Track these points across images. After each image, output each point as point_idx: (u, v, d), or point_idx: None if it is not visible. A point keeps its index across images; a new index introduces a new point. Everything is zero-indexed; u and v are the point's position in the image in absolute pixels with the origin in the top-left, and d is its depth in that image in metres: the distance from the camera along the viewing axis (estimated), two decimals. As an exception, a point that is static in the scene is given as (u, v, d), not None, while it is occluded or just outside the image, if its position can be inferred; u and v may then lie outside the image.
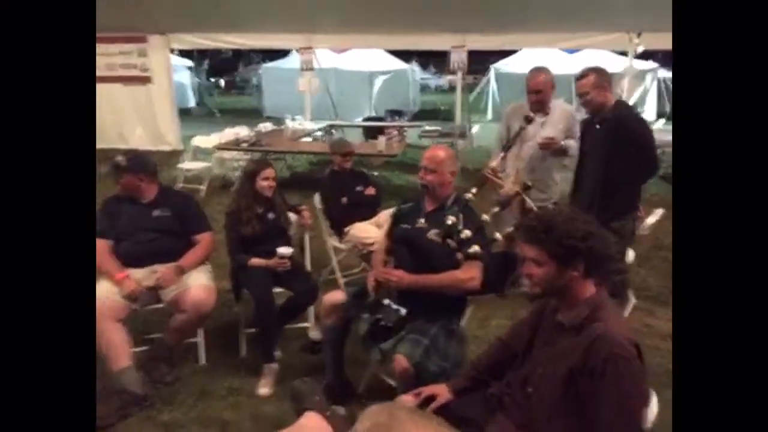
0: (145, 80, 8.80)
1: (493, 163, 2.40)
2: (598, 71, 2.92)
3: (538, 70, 3.37)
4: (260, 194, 2.90)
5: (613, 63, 9.46)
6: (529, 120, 2.41)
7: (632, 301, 3.47)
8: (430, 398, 1.77)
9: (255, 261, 2.82)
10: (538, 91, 3.32)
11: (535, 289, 1.56)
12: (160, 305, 2.72)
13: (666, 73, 15.19)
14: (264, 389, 2.63)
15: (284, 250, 2.79)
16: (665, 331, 3.25)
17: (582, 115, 3.37)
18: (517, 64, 13.20)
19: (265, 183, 2.88)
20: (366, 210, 3.74)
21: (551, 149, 3.37)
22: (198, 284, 2.64)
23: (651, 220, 3.44)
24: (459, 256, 2.13)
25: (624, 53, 8.89)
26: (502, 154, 2.48)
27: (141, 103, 8.88)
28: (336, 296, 2.41)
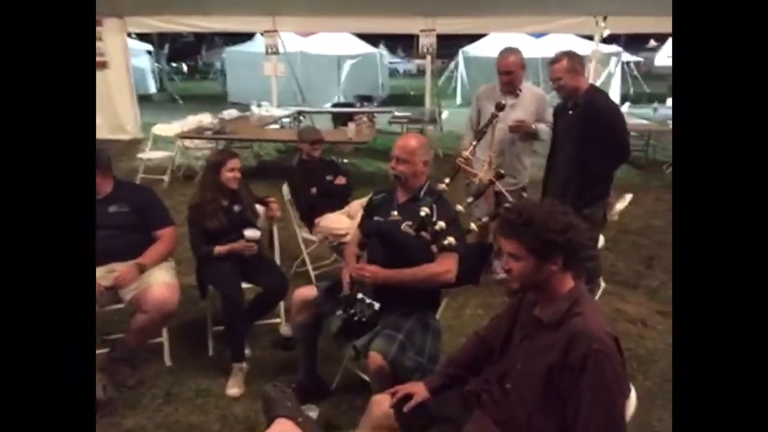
0: (101, 65, 8.38)
1: (466, 153, 2.33)
2: (570, 55, 2.88)
3: (509, 51, 3.34)
4: (225, 186, 2.77)
5: (579, 47, 9.53)
6: (500, 107, 2.36)
7: (602, 285, 3.51)
8: (407, 397, 1.72)
9: (219, 249, 2.70)
10: (509, 72, 3.28)
11: (513, 284, 1.52)
12: (121, 305, 2.59)
13: (629, 57, 15.48)
14: (233, 389, 2.54)
15: (251, 233, 2.68)
16: (635, 316, 3.31)
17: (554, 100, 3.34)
18: (486, 48, 13.18)
19: (230, 174, 2.75)
20: (337, 200, 3.64)
21: (521, 132, 3.34)
22: (160, 282, 2.51)
23: (620, 205, 3.46)
24: (434, 248, 2.07)
25: (590, 37, 8.98)
26: (474, 143, 2.42)
27: (98, 90, 8.43)
28: (306, 292, 2.33)
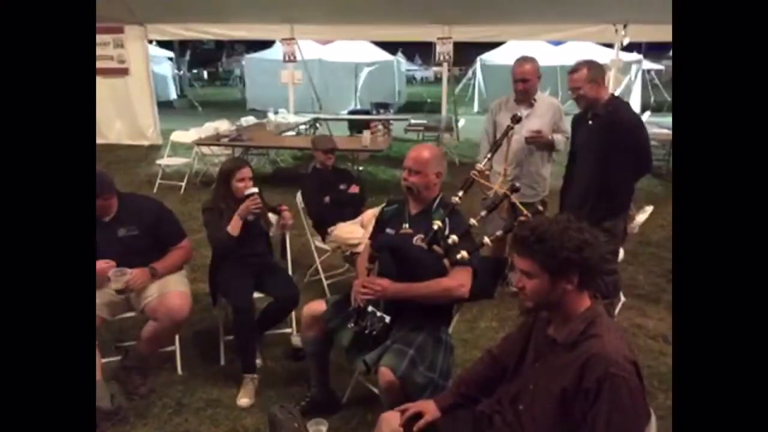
0: (122, 72, 8.54)
1: (480, 165, 2.29)
2: (591, 65, 2.82)
3: (525, 59, 3.31)
4: (237, 196, 2.76)
5: (598, 55, 9.41)
6: (517, 119, 2.31)
7: (622, 300, 3.42)
8: (417, 415, 1.67)
9: (231, 226, 2.66)
10: (525, 79, 3.25)
11: (527, 303, 1.47)
12: (133, 313, 2.59)
13: (650, 65, 15.25)
14: (244, 400, 2.52)
15: (251, 190, 2.67)
16: (657, 331, 3.21)
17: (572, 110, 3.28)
18: (503, 56, 13.12)
19: (240, 184, 2.73)
20: (350, 209, 3.62)
21: (538, 143, 3.30)
22: (173, 291, 2.50)
23: (641, 217, 3.38)
24: (446, 262, 2.03)
25: (609, 45, 8.85)
26: (489, 155, 2.38)
27: (119, 96, 8.62)
28: (316, 307, 2.30)
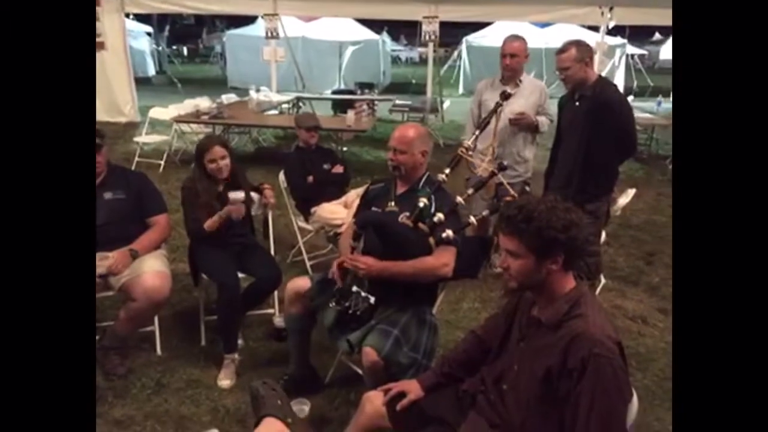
0: (98, 46, 8.23)
1: (467, 143, 2.26)
2: (579, 45, 2.80)
3: (515, 37, 3.30)
4: (210, 175, 2.68)
5: (584, 38, 9.39)
6: (506, 96, 2.29)
7: (602, 281, 3.46)
8: (400, 395, 1.67)
9: (209, 223, 2.59)
10: (513, 54, 3.22)
11: (511, 282, 1.46)
12: (111, 293, 2.53)
13: (633, 50, 15.31)
14: (225, 381, 2.50)
15: (234, 195, 2.55)
16: (635, 312, 3.26)
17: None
18: (490, 38, 13.02)
19: (213, 165, 2.63)
20: (333, 189, 3.57)
21: (521, 125, 3.28)
22: (151, 270, 2.45)
23: (623, 200, 3.40)
24: (431, 241, 2.01)
25: (595, 28, 8.84)
26: (477, 132, 2.35)
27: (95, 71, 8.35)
28: (300, 283, 2.27)
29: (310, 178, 3.56)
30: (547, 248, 1.38)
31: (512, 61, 3.24)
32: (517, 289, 1.51)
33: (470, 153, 2.26)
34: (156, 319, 2.69)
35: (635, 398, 1.44)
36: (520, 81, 3.32)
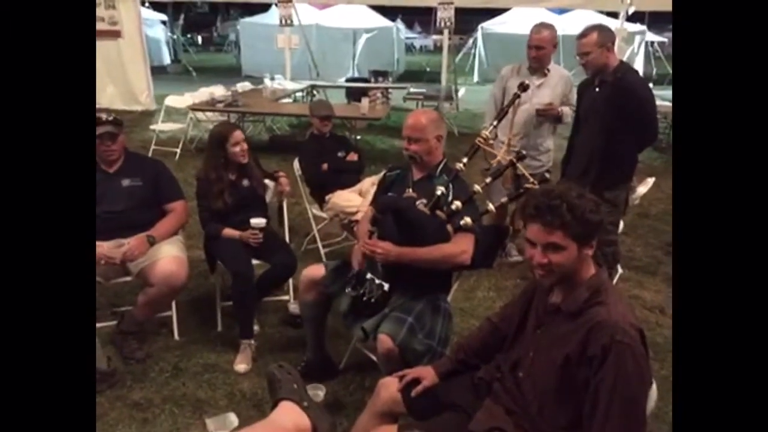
0: (114, 34, 8.28)
1: (486, 132, 2.23)
2: (601, 29, 2.73)
3: (543, 25, 3.21)
4: (233, 161, 2.69)
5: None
6: (524, 88, 2.25)
7: (619, 272, 3.42)
8: (415, 381, 1.67)
9: (227, 232, 2.65)
10: (540, 47, 3.16)
11: (550, 278, 1.39)
12: (129, 278, 2.56)
13: (653, 37, 14.97)
14: (241, 365, 2.52)
15: (257, 221, 2.58)
16: (653, 303, 3.22)
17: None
18: (506, 25, 12.83)
19: (237, 149, 2.65)
20: (348, 177, 3.56)
21: (548, 116, 3.24)
22: (168, 256, 2.47)
23: (642, 189, 3.35)
24: (449, 228, 1.99)
25: (614, 15, 8.66)
26: (495, 122, 2.31)
27: (111, 59, 8.39)
28: (315, 271, 2.27)
29: (325, 166, 3.55)
30: (589, 234, 1.35)
31: (539, 53, 3.17)
32: (556, 283, 1.43)
33: (491, 142, 2.23)
34: (173, 304, 2.72)
35: (654, 387, 1.42)
36: (548, 70, 3.26)
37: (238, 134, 2.68)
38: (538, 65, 3.23)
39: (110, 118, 2.53)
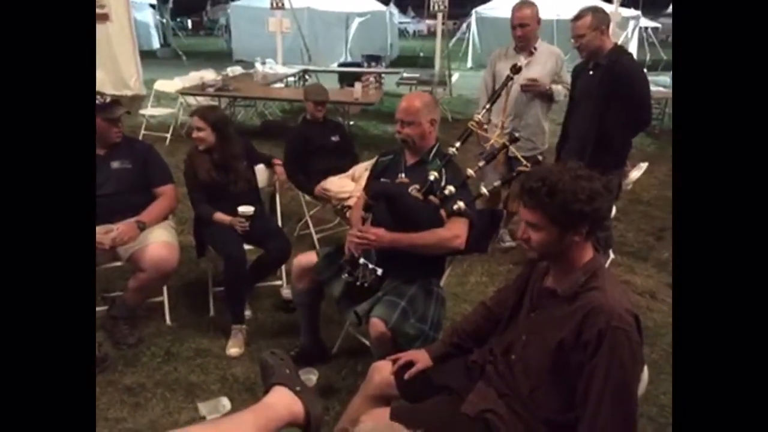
0: (102, 18, 8.12)
1: (478, 116, 2.20)
2: (596, 12, 2.70)
3: (524, 4, 3.19)
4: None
5: (597, 9, 9.16)
6: (517, 69, 2.22)
7: (611, 256, 3.43)
8: (408, 364, 1.67)
9: (218, 216, 2.62)
10: (523, 24, 3.13)
11: (530, 253, 1.42)
12: (119, 263, 2.54)
13: (647, 23, 14.93)
14: (233, 350, 2.51)
15: (244, 209, 2.54)
16: (644, 287, 3.24)
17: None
18: (500, 9, 12.71)
19: (193, 134, 2.67)
20: (335, 160, 3.49)
21: (534, 91, 3.20)
22: (158, 241, 2.44)
23: (635, 174, 3.35)
24: (443, 213, 1.98)
25: (608, -1, 8.61)
26: (487, 106, 2.29)
27: (100, 43, 8.18)
28: (306, 259, 2.25)
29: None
30: (572, 221, 1.34)
31: (523, 31, 3.14)
32: (537, 259, 1.47)
33: (485, 127, 2.21)
34: (165, 289, 2.70)
35: (645, 371, 1.42)
36: (535, 49, 3.22)
37: (194, 120, 2.70)
38: (525, 44, 3.20)
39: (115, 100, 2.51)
